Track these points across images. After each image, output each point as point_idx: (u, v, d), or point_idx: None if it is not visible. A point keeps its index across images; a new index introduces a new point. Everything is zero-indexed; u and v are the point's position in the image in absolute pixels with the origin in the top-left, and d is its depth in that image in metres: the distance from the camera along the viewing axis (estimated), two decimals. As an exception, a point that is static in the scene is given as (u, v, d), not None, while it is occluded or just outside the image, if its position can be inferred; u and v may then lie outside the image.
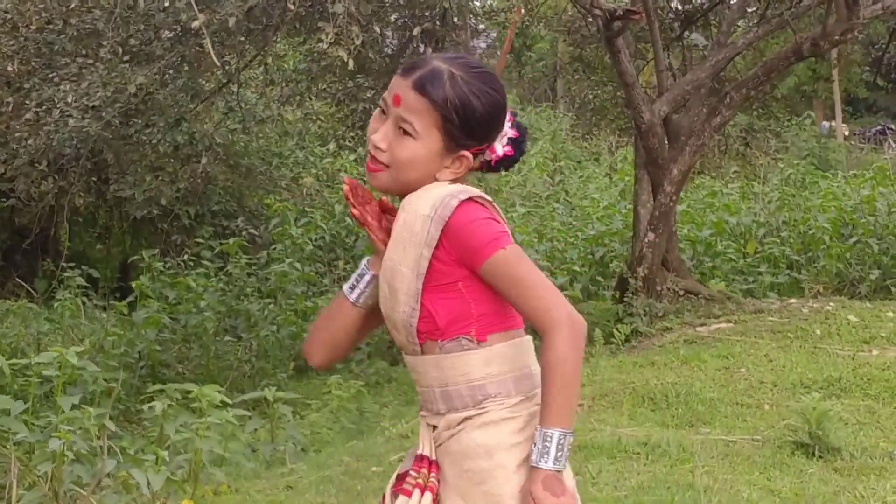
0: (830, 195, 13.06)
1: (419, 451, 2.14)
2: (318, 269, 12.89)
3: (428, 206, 2.01)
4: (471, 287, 2.02)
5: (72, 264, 12.53)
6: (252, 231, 13.87)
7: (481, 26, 18.02)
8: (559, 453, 1.94)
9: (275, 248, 12.72)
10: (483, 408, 2.05)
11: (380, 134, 2.05)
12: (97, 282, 13.01)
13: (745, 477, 5.38)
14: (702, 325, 8.91)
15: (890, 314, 8.67)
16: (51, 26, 9.76)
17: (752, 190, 13.81)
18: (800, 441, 5.84)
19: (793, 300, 9.58)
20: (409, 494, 2.08)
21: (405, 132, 2.04)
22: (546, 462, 1.93)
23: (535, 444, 1.95)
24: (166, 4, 8.73)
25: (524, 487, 1.99)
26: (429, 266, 2.03)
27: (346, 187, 2.14)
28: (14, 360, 7.22)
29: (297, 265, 11.79)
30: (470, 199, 1.99)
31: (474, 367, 2.05)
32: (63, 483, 5.50)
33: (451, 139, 2.06)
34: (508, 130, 2.15)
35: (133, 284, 11.50)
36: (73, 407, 6.20)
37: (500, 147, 2.12)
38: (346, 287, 2.22)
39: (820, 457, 5.73)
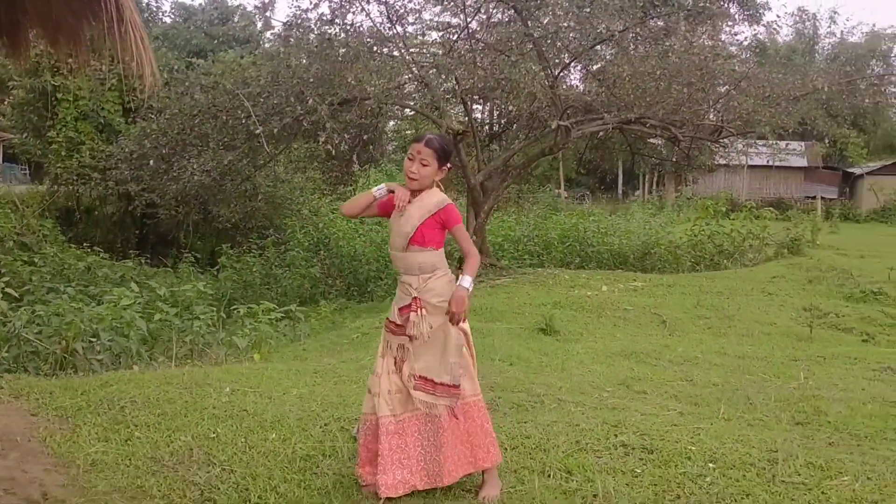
0: (559, 223, 17.53)
1: (414, 295, 3.63)
2: (308, 255, 16.46)
3: (436, 199, 3.66)
4: (443, 233, 3.76)
5: (186, 251, 16.86)
6: (277, 235, 17.72)
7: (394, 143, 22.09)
8: (471, 285, 3.60)
9: (289, 243, 16.84)
10: (435, 273, 3.73)
11: (414, 166, 3.64)
12: (199, 260, 17.90)
13: (517, 343, 7.35)
14: (497, 279, 11.99)
15: (583, 276, 12.45)
16: (184, 132, 12.95)
17: (522, 219, 18.50)
18: (541, 328, 8.15)
19: (539, 269, 13.75)
20: (413, 311, 3.63)
21: (424, 164, 3.59)
22: (464, 283, 3.62)
23: (460, 278, 3.61)
24: (243, 121, 11.83)
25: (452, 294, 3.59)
26: (428, 218, 3.64)
27: (402, 197, 3.64)
28: (170, 288, 10.41)
29: (299, 251, 16.30)
30: (451, 202, 3.68)
31: (435, 258, 3.74)
32: (199, 344, 7.66)
33: (440, 163, 3.62)
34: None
35: (219, 261, 16.80)
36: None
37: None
38: (374, 190, 3.73)
39: (550, 334, 8.01)
